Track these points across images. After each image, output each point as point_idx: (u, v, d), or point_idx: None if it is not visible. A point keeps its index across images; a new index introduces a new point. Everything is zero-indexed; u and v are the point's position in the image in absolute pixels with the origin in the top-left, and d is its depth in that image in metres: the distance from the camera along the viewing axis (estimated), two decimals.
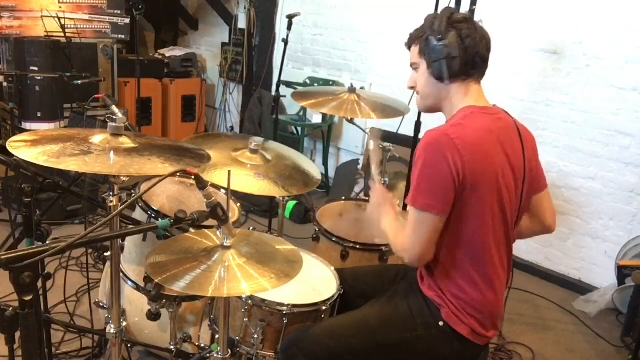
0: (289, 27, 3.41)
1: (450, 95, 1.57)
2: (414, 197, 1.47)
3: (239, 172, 1.95)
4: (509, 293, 1.78)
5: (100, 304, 2.06)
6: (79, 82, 3.24)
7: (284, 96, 3.69)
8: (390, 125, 3.54)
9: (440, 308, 1.56)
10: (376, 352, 1.60)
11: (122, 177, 1.42)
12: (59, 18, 3.89)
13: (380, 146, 2.20)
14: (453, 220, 1.48)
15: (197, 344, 1.98)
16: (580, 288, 3.43)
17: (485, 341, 1.60)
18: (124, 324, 1.68)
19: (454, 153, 1.41)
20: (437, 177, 1.43)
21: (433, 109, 1.65)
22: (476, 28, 1.51)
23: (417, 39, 1.59)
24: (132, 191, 2.25)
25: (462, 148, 1.42)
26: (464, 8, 2.81)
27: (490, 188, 1.47)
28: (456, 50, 1.48)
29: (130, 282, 2.00)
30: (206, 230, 1.50)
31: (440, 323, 1.56)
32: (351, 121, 2.39)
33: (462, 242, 1.51)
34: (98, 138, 1.46)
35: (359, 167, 4.36)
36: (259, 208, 4.07)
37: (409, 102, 2.37)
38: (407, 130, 3.02)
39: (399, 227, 1.58)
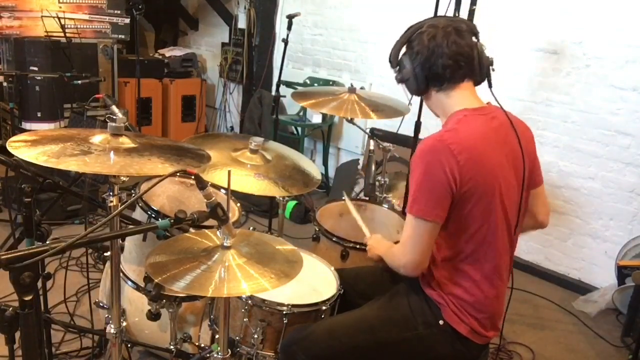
0: (289, 27, 3.41)
1: (437, 103, 1.61)
2: (410, 205, 1.48)
3: (239, 172, 1.95)
4: (511, 293, 1.78)
5: (100, 304, 2.06)
6: (79, 82, 3.24)
7: (284, 96, 3.70)
8: (390, 125, 3.54)
9: (440, 307, 1.56)
10: (376, 350, 1.60)
11: (122, 177, 1.42)
12: (59, 18, 3.89)
13: (381, 146, 2.21)
14: (453, 222, 1.49)
15: (197, 344, 1.98)
16: (580, 288, 3.43)
17: (485, 341, 1.61)
18: (124, 324, 1.68)
19: (450, 159, 1.42)
20: (434, 185, 1.44)
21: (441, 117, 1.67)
22: (427, 42, 1.51)
23: None
24: (132, 191, 2.24)
25: (458, 152, 1.43)
26: (464, 8, 2.81)
27: (491, 189, 1.47)
28: (408, 73, 1.55)
29: (130, 282, 2.00)
30: (206, 230, 1.50)
31: (441, 322, 1.56)
32: (351, 121, 2.39)
33: (463, 244, 1.51)
34: (98, 138, 1.46)
35: (359, 167, 4.35)
36: (259, 208, 4.07)
37: (409, 102, 2.37)
38: (407, 130, 3.02)
39: (393, 245, 1.64)
